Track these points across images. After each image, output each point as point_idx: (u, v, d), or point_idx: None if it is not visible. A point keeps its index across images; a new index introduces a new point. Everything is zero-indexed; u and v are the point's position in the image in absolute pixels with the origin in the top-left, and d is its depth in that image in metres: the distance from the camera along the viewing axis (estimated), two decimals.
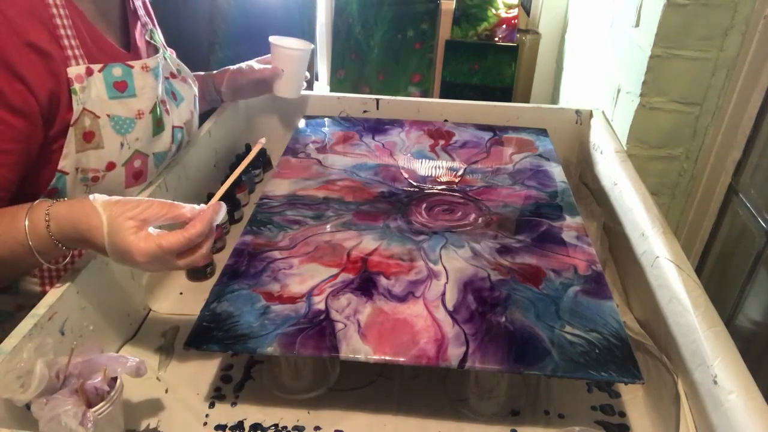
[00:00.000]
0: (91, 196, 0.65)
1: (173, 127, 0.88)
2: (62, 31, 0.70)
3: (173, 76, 0.92)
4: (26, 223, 0.64)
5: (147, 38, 0.87)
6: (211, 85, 1.12)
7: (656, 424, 0.69)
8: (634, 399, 0.73)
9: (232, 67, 1.11)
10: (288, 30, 1.72)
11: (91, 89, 0.73)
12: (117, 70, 0.76)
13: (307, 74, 1.18)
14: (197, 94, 1.00)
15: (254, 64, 1.13)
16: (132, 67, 0.78)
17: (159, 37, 0.92)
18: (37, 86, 0.67)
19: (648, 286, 0.80)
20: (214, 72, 1.12)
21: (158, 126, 0.83)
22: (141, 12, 0.89)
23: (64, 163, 0.73)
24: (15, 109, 0.66)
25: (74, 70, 0.71)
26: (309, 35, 1.73)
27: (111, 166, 0.76)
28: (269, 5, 1.72)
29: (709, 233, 1.11)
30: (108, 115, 0.75)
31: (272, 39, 1.11)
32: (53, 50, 0.69)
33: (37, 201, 0.67)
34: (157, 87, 0.82)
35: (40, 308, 0.63)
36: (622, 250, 0.95)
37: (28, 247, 0.64)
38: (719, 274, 1.11)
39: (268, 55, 1.14)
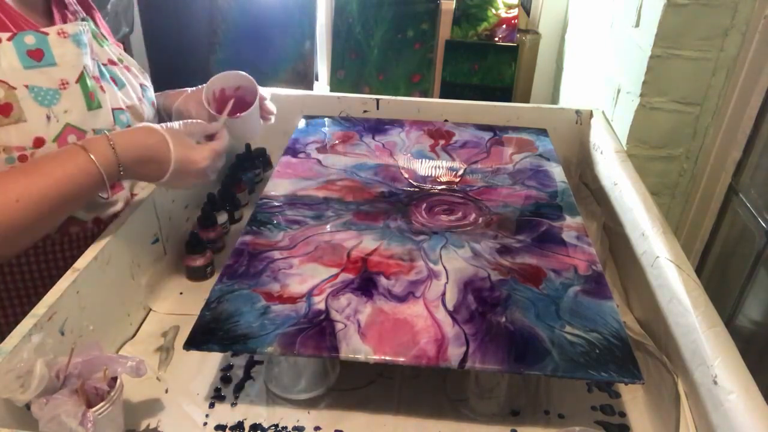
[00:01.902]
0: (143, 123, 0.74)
1: (113, 108, 0.81)
2: None
3: (113, 62, 0.86)
4: (91, 155, 0.68)
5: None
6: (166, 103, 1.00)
7: (656, 424, 0.69)
8: (634, 399, 0.73)
9: (183, 94, 0.96)
10: (288, 30, 1.72)
11: (0, 59, 0.68)
12: (29, 38, 0.70)
13: (271, 118, 0.99)
14: (149, 86, 0.93)
15: (199, 102, 0.92)
16: (47, 33, 0.72)
17: (95, 27, 0.85)
18: None
19: (648, 286, 0.80)
20: (171, 92, 0.99)
21: (91, 100, 0.76)
22: (69, 0, 0.83)
23: None
24: None
25: None
26: (309, 35, 1.73)
27: (39, 141, 0.70)
28: (269, 5, 1.72)
29: (709, 233, 1.11)
30: (26, 86, 0.69)
31: (208, 89, 0.91)
32: None
33: (86, 139, 0.71)
34: (82, 56, 0.75)
35: (40, 308, 0.63)
36: (622, 250, 0.95)
37: (99, 177, 0.69)
38: (719, 274, 1.11)
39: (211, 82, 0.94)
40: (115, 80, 0.85)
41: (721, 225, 1.09)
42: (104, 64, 0.84)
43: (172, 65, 1.08)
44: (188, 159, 0.76)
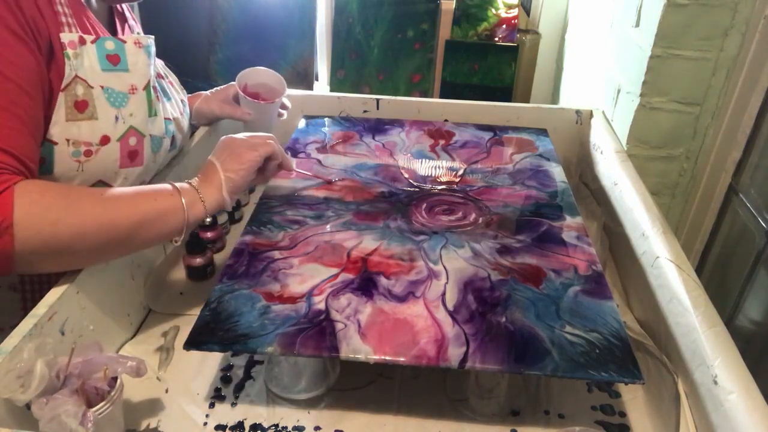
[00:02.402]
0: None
1: (165, 118, 0.87)
2: None
3: (161, 76, 0.92)
4: (183, 202, 0.73)
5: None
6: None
7: (656, 424, 0.69)
8: (634, 399, 0.73)
9: (200, 96, 1.07)
10: (288, 30, 1.72)
11: (83, 58, 0.72)
12: (110, 44, 0.76)
13: (284, 113, 1.10)
14: (186, 101, 0.99)
15: (222, 100, 1.06)
16: (124, 42, 0.78)
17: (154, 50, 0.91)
18: (41, 31, 0.68)
19: (648, 286, 0.80)
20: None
21: (151, 107, 0.82)
22: (128, 15, 0.90)
23: (53, 132, 0.71)
24: (32, 50, 0.67)
25: (67, 37, 0.71)
26: (309, 35, 1.73)
27: (105, 139, 0.74)
28: (269, 5, 1.72)
29: (709, 233, 1.11)
30: (102, 87, 0.74)
31: (240, 81, 1.03)
32: (47, 13, 0.70)
33: (180, 187, 0.75)
34: (150, 66, 0.81)
35: (40, 308, 0.63)
36: (622, 250, 0.95)
37: (182, 224, 0.73)
38: (719, 274, 1.11)
39: (232, 85, 1.06)
40: (163, 91, 0.90)
41: (721, 225, 1.09)
42: (156, 76, 0.88)
43: (172, 65, 1.09)
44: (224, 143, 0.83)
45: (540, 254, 0.81)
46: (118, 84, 0.76)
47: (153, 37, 0.85)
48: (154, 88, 0.84)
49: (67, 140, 0.72)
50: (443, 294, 0.72)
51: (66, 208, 0.64)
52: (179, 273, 0.94)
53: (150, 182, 0.87)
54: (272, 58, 1.74)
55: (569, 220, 0.89)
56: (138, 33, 0.90)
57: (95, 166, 0.75)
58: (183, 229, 0.73)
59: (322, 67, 1.85)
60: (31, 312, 0.63)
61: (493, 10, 1.68)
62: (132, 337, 0.82)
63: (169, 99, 0.91)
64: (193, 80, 1.07)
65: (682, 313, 0.69)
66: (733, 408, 0.57)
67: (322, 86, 1.84)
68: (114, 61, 0.76)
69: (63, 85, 0.70)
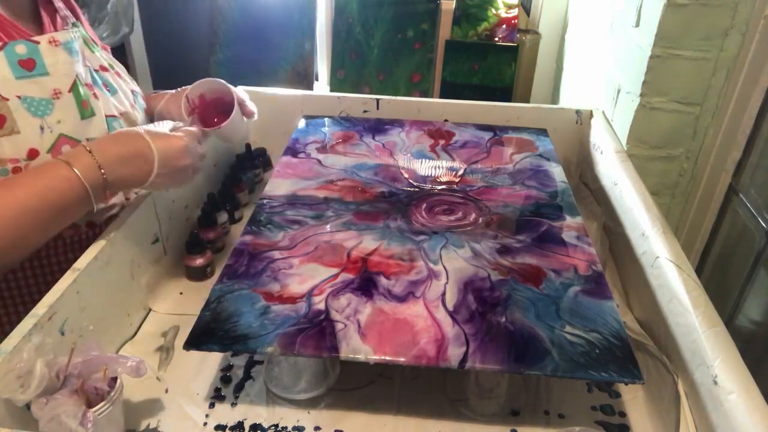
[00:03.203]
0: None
1: (107, 116, 0.80)
2: None
3: (104, 69, 0.84)
4: (73, 167, 0.66)
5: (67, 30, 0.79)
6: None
7: (656, 424, 0.69)
8: (634, 399, 0.73)
9: (165, 97, 0.95)
10: (288, 30, 1.72)
11: None
12: (20, 48, 0.69)
13: (253, 116, 0.95)
14: (139, 92, 0.92)
15: (179, 105, 0.90)
16: (38, 42, 0.70)
17: (85, 32, 0.83)
18: None
19: (648, 286, 0.80)
20: (154, 94, 0.98)
21: (85, 108, 0.75)
22: (59, 5, 0.82)
23: None
24: None
25: None
26: (309, 35, 1.73)
27: (33, 153, 0.69)
28: (269, 5, 1.72)
29: (709, 233, 1.12)
30: (19, 97, 0.68)
31: (189, 97, 0.89)
32: None
33: (66, 152, 0.68)
34: (74, 64, 0.74)
35: (40, 308, 0.63)
36: (622, 250, 0.95)
37: (82, 186, 0.66)
38: (719, 274, 1.11)
39: (184, 89, 0.92)
40: (108, 86, 0.84)
41: (721, 225, 1.09)
42: (96, 70, 0.82)
43: (172, 65, 1.09)
44: (169, 144, 0.73)
45: (540, 254, 0.81)
46: (38, 91, 0.70)
47: (78, 28, 0.78)
48: (89, 85, 0.78)
49: None
50: (443, 294, 0.72)
51: None
52: (179, 273, 0.94)
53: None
54: (272, 58, 1.74)
55: (569, 220, 0.89)
56: (74, 23, 0.82)
57: None
58: (86, 193, 0.67)
59: (322, 67, 1.85)
60: (31, 312, 0.63)
61: (493, 10, 1.68)
62: (132, 337, 0.82)
63: (114, 92, 0.84)
64: (193, 80, 1.06)
65: (682, 313, 0.69)
66: (733, 408, 0.57)
67: (322, 86, 1.84)
68: (28, 66, 0.69)
69: None
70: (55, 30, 0.78)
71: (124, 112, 0.85)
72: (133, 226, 0.81)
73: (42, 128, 0.70)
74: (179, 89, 0.95)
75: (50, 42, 0.72)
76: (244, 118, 0.95)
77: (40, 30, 0.77)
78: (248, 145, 1.24)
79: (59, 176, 0.66)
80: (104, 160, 0.69)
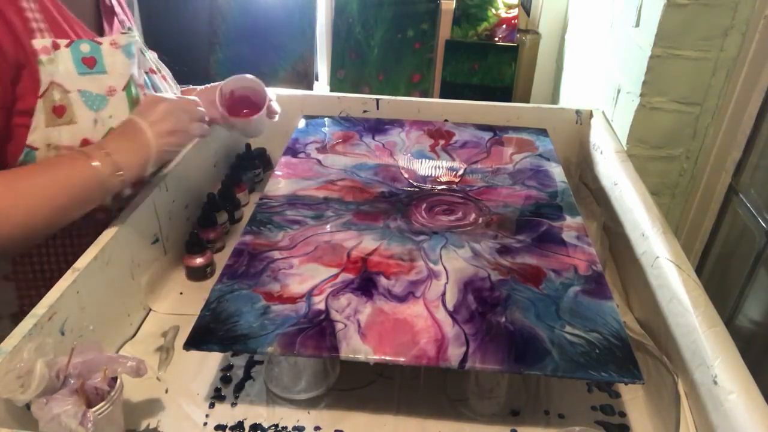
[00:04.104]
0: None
1: None
2: (25, 4, 0.71)
3: (153, 71, 0.91)
4: (104, 171, 0.71)
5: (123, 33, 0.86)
6: None
7: (656, 424, 0.69)
8: (634, 399, 0.73)
9: (196, 91, 1.02)
10: (288, 30, 1.72)
11: (58, 63, 0.72)
12: (85, 46, 0.75)
13: (275, 116, 1.03)
14: (179, 93, 0.99)
15: (212, 102, 0.96)
16: (100, 43, 0.77)
17: (138, 36, 0.89)
18: (4, 44, 0.68)
19: (648, 286, 0.80)
20: (183, 88, 1.06)
21: (135, 105, 0.81)
22: (117, 9, 0.89)
23: (33, 138, 0.72)
24: None
25: (40, 42, 0.71)
26: (309, 35, 1.73)
27: (86, 142, 0.75)
28: (269, 5, 1.72)
29: (709, 233, 1.12)
30: (79, 91, 0.74)
31: (223, 91, 0.96)
32: (16, 21, 0.69)
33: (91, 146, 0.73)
34: (130, 65, 0.81)
35: (40, 308, 0.63)
36: (622, 250, 0.95)
37: (98, 183, 0.71)
38: (719, 274, 1.11)
39: (214, 85, 0.99)
40: (155, 88, 0.90)
41: (721, 225, 1.09)
42: (146, 72, 0.88)
43: (172, 65, 1.09)
44: (144, 101, 0.78)
45: (540, 254, 0.81)
46: (95, 86, 0.76)
47: (135, 34, 0.84)
48: (141, 85, 0.84)
49: (48, 145, 0.73)
50: (443, 294, 0.72)
51: (12, 195, 0.67)
52: (179, 273, 0.94)
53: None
54: (272, 58, 1.74)
55: (569, 220, 0.89)
56: (129, 28, 0.89)
57: None
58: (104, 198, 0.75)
59: (322, 67, 1.85)
60: (31, 312, 0.63)
61: (493, 10, 1.68)
62: (132, 337, 0.82)
63: (160, 93, 0.90)
64: (193, 80, 1.07)
65: (682, 313, 0.69)
66: (733, 408, 0.57)
67: (322, 86, 1.84)
68: (90, 63, 0.75)
69: (40, 92, 0.71)
70: (112, 32, 0.85)
71: None
72: (133, 226, 0.81)
73: (96, 121, 0.76)
74: (209, 85, 1.02)
75: (111, 44, 0.78)
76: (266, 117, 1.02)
77: (101, 31, 0.84)
78: (248, 145, 1.24)
79: (78, 167, 0.71)
80: (110, 148, 0.73)
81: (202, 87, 1.02)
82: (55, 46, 0.73)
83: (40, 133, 0.72)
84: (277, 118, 1.04)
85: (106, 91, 0.77)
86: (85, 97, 0.75)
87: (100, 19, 0.85)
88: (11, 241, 0.68)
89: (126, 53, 0.80)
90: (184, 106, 0.80)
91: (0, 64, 0.68)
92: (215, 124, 0.98)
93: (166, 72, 0.97)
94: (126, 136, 0.75)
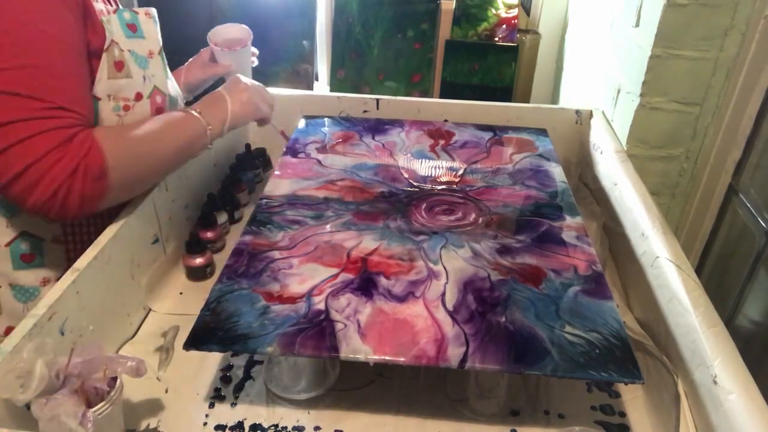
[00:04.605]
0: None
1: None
2: None
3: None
4: (204, 122, 0.86)
5: None
6: None
7: (656, 424, 0.69)
8: (634, 399, 0.73)
9: (183, 70, 1.13)
10: (288, 30, 1.72)
11: (113, 25, 0.79)
12: (126, 14, 0.83)
13: (255, 60, 1.18)
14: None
15: (201, 65, 1.13)
16: (137, 13, 0.85)
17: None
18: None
19: (648, 286, 0.80)
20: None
21: (166, 70, 0.90)
22: None
23: (98, 88, 0.77)
24: (74, 15, 0.73)
25: (98, 6, 0.78)
26: (309, 35, 1.73)
27: (139, 96, 0.82)
28: (269, 5, 1.72)
29: (709, 233, 1.11)
30: (129, 50, 0.81)
31: (211, 38, 1.11)
32: None
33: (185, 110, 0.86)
34: (158, 34, 0.88)
35: (40, 308, 0.63)
36: (622, 250, 0.95)
37: (207, 137, 0.86)
38: (719, 274, 1.11)
39: (205, 50, 1.13)
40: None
41: (721, 225, 1.09)
42: None
43: (171, 64, 1.10)
44: (236, 79, 0.96)
45: (540, 254, 0.81)
46: (139, 49, 0.83)
47: (155, 9, 0.92)
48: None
49: (109, 96, 0.79)
50: (443, 294, 0.72)
51: (141, 142, 0.78)
52: (179, 273, 0.94)
53: None
54: (272, 58, 1.74)
55: (569, 220, 0.89)
56: None
57: (132, 120, 0.82)
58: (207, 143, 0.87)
59: (322, 67, 1.84)
60: (31, 312, 0.63)
61: (493, 10, 1.68)
62: (132, 337, 0.82)
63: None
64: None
65: (682, 313, 0.69)
66: (733, 408, 0.57)
67: (322, 86, 1.84)
68: (132, 29, 0.83)
69: (105, 46, 0.77)
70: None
71: (174, 94, 0.97)
72: (133, 226, 0.82)
73: (144, 78, 0.84)
74: (190, 60, 1.14)
75: (145, 14, 0.86)
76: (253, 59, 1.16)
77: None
78: (248, 145, 1.24)
79: (190, 121, 0.85)
80: (200, 109, 0.87)
81: (187, 62, 1.13)
82: (107, 11, 0.80)
83: (103, 84, 0.78)
84: (256, 62, 1.18)
85: (147, 53, 0.85)
86: (135, 56, 0.82)
87: None
88: (142, 184, 0.82)
89: (155, 23, 0.88)
90: (258, 89, 0.98)
91: (77, 18, 0.74)
92: (211, 79, 1.13)
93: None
94: (212, 102, 0.89)
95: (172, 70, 1.10)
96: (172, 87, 0.93)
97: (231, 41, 1.12)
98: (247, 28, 1.13)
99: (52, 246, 0.83)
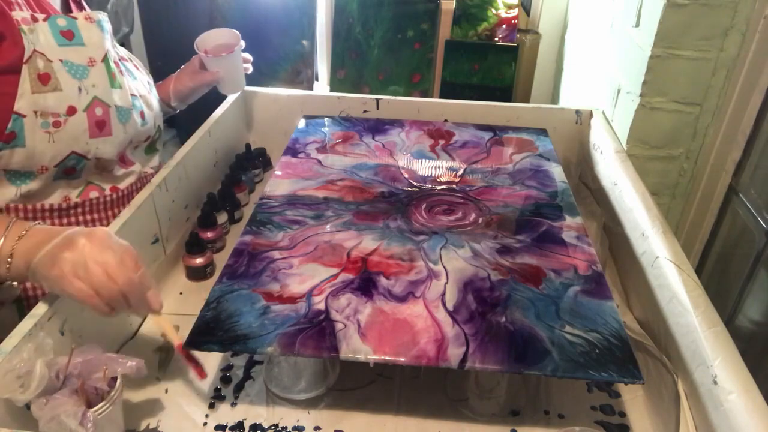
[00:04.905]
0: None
1: (131, 94, 0.88)
2: None
3: (124, 59, 0.93)
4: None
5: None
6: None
7: (656, 424, 0.69)
8: (634, 399, 0.73)
9: (173, 77, 1.10)
10: (288, 30, 1.72)
11: (38, 34, 0.75)
12: (61, 20, 0.78)
13: (249, 66, 1.16)
14: (152, 83, 1.01)
15: (191, 73, 1.10)
16: (75, 18, 0.81)
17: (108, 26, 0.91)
18: None
19: (648, 286, 0.80)
20: (157, 84, 1.09)
21: (113, 79, 0.84)
22: (84, 3, 0.93)
23: (20, 104, 0.74)
24: None
25: (20, 14, 0.74)
26: (309, 35, 1.73)
27: (72, 110, 0.77)
28: (269, 5, 1.72)
29: (709, 233, 1.11)
30: (61, 60, 0.77)
31: (198, 45, 1.09)
32: None
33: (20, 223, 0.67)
34: (105, 39, 0.83)
35: (40, 308, 0.63)
36: (622, 250, 0.95)
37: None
38: (719, 274, 1.11)
39: (196, 56, 1.11)
40: (129, 73, 0.92)
41: (721, 225, 1.09)
42: (117, 60, 0.90)
43: (172, 65, 1.10)
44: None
45: (540, 254, 0.81)
46: (76, 57, 0.79)
47: (105, 13, 0.87)
48: (116, 63, 0.86)
49: (35, 112, 0.75)
50: (443, 294, 0.72)
51: None
52: (179, 273, 0.94)
53: (124, 156, 0.90)
54: (272, 58, 1.74)
55: (569, 220, 0.89)
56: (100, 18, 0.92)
57: (66, 136, 0.77)
58: None
59: (322, 67, 1.84)
60: (31, 312, 0.63)
61: (493, 10, 1.68)
62: (132, 337, 0.82)
63: (134, 78, 0.93)
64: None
65: (682, 313, 0.69)
66: (733, 408, 0.57)
67: (322, 86, 1.84)
68: (68, 36, 0.79)
69: (25, 58, 0.73)
70: None
71: (143, 95, 0.93)
72: (133, 226, 0.81)
73: (80, 89, 0.79)
74: (181, 68, 1.11)
75: (86, 18, 0.81)
76: (243, 66, 1.14)
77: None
78: (248, 145, 1.24)
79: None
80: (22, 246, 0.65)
81: (179, 70, 1.10)
82: (34, 19, 0.75)
83: (26, 100, 0.74)
84: (251, 69, 1.15)
85: (87, 61, 0.80)
86: (68, 66, 0.77)
87: (68, 7, 0.89)
88: None
89: (100, 28, 0.83)
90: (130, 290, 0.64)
91: None
92: (201, 87, 1.09)
93: (137, 62, 0.99)
94: (39, 237, 0.64)
95: (166, 76, 1.10)
96: (123, 97, 0.85)
97: (219, 47, 1.10)
98: (237, 32, 1.11)
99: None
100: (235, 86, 1.16)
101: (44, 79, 0.75)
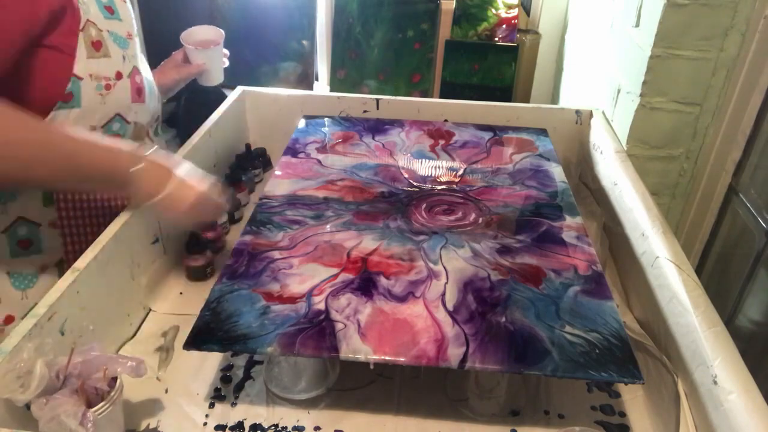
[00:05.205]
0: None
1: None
2: None
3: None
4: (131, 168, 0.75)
5: None
6: None
7: (656, 424, 0.69)
8: (634, 399, 0.73)
9: (155, 72, 1.11)
10: (288, 30, 1.72)
11: (89, 6, 0.81)
12: None
13: (226, 60, 1.19)
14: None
15: (175, 66, 1.13)
16: None
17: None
18: None
19: (648, 286, 0.80)
20: None
21: (143, 54, 0.91)
22: None
23: (78, 68, 0.79)
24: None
25: None
26: (309, 35, 1.73)
27: (119, 75, 0.83)
28: (269, 5, 1.72)
29: (709, 233, 1.11)
30: (108, 31, 0.83)
31: (184, 39, 1.12)
32: None
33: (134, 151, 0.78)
34: (133, 19, 0.89)
35: (40, 308, 0.63)
36: (622, 250, 0.95)
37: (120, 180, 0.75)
38: (719, 274, 1.11)
39: (176, 52, 1.13)
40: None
41: (721, 225, 1.09)
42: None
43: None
44: (182, 189, 0.80)
45: (540, 254, 0.81)
46: (118, 29, 0.85)
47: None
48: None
49: (90, 75, 0.80)
50: (443, 294, 0.72)
51: (31, 143, 0.70)
52: (179, 273, 0.94)
53: (149, 132, 0.93)
54: (272, 58, 1.74)
55: (569, 220, 0.89)
56: None
57: (113, 98, 0.83)
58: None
59: (322, 67, 1.84)
60: (31, 312, 0.63)
61: (493, 10, 1.68)
62: (132, 337, 0.82)
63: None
64: (192, 81, 1.07)
65: (682, 313, 0.69)
66: (733, 408, 0.57)
67: (322, 86, 1.84)
68: (110, 11, 0.85)
69: (81, 26, 0.79)
70: None
71: (150, 80, 0.96)
72: (133, 226, 0.81)
73: (124, 57, 0.85)
74: (164, 62, 1.13)
75: None
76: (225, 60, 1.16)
77: None
78: (248, 145, 1.24)
79: (120, 164, 0.76)
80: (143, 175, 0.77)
81: (161, 64, 1.12)
82: None
83: (82, 64, 0.79)
84: (227, 63, 1.17)
85: (126, 34, 0.86)
86: (114, 36, 0.83)
87: None
88: (9, 179, 0.72)
89: (130, 5, 0.90)
90: (205, 200, 0.81)
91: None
92: (185, 79, 1.11)
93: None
94: (157, 174, 0.78)
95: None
96: (146, 70, 0.93)
97: (203, 42, 1.14)
98: (220, 29, 1.15)
99: (49, 230, 0.82)
100: (217, 77, 1.19)
101: (97, 46, 0.80)
